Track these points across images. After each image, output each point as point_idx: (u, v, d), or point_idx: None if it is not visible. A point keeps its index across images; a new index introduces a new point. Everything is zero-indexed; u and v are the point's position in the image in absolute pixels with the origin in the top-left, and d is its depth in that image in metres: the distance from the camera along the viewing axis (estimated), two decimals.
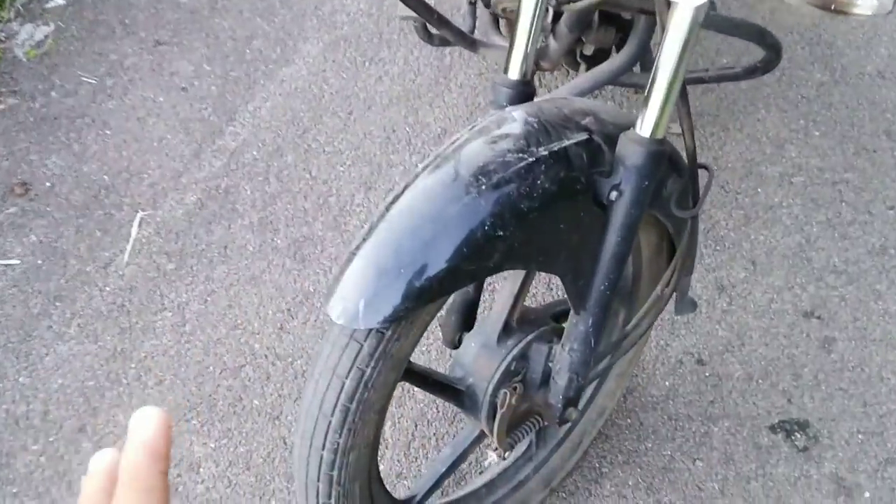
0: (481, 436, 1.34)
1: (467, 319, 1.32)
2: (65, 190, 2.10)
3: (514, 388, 1.19)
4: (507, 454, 1.26)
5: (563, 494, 1.53)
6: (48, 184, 2.12)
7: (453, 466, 1.35)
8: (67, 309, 1.89)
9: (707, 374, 1.71)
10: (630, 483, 1.53)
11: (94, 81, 2.33)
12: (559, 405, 1.20)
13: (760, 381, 1.71)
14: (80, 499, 0.36)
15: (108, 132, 2.22)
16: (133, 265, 1.96)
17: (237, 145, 2.16)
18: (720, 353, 1.74)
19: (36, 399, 1.77)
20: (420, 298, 0.89)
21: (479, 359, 1.22)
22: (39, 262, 1.97)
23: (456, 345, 1.30)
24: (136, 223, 2.03)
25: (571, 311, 1.11)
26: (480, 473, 1.54)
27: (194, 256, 1.96)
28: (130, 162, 2.15)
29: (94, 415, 1.74)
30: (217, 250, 1.96)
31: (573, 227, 0.98)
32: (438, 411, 1.67)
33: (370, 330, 0.96)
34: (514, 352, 1.20)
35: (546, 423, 1.29)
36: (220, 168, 2.12)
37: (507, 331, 1.22)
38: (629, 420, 1.61)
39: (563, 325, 1.25)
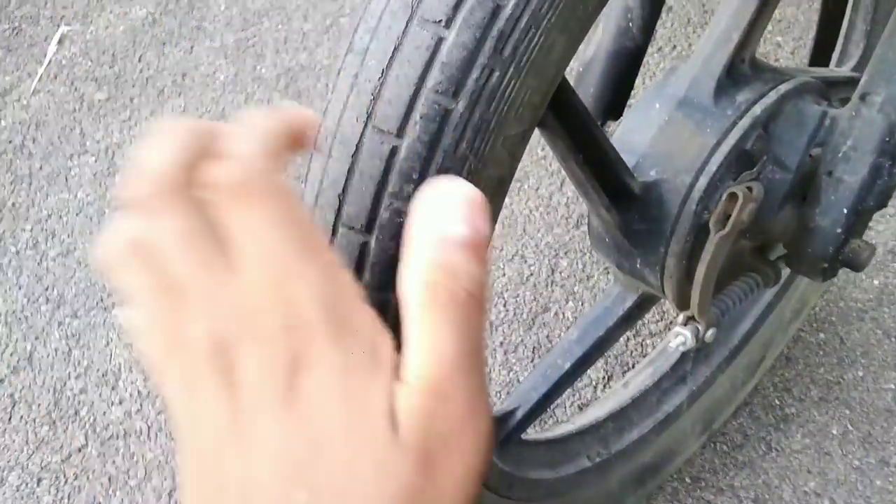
0: (642, 304, 0.72)
1: (624, 85, 0.71)
2: None
3: (750, 189, 0.57)
4: (709, 334, 0.65)
5: (727, 446, 0.92)
6: None
7: (577, 369, 0.72)
8: None
9: None
10: (834, 432, 0.92)
11: None
12: (831, 239, 0.59)
13: None
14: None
15: None
16: (45, 93, 1.31)
17: None
18: None
19: None
20: None
21: (674, 126, 0.61)
22: None
23: (612, 114, 0.69)
24: (54, 39, 1.38)
25: None
26: (603, 394, 0.93)
27: (136, 85, 1.32)
28: None
29: None
30: (171, 78, 1.33)
31: None
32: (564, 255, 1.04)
33: None
34: (752, 115, 0.59)
35: (768, 286, 0.68)
36: None
37: (734, 77, 0.61)
38: (822, 335, 1.00)
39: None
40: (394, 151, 0.41)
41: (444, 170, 0.41)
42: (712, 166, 0.59)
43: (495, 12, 0.38)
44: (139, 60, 1.35)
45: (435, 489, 0.27)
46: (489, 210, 0.31)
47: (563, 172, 1.06)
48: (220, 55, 1.35)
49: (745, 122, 0.59)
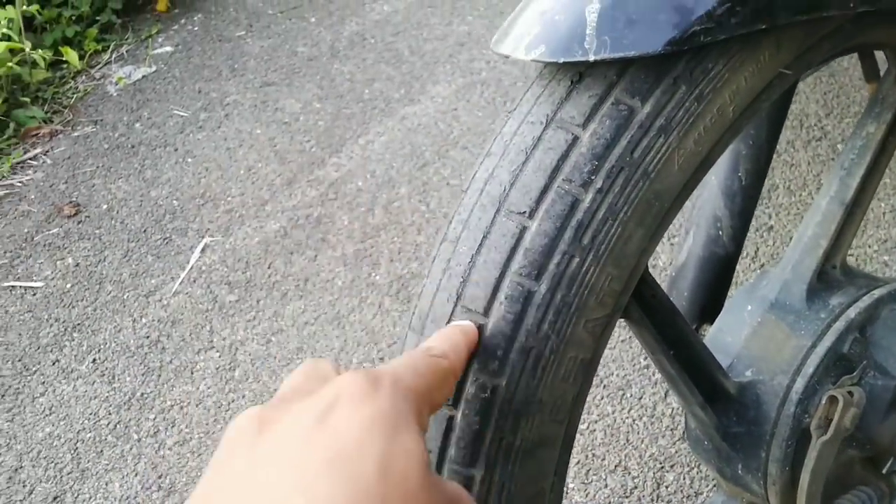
0: None
1: (717, 290, 0.73)
2: (123, 213, 1.67)
3: (850, 394, 0.56)
4: None
5: None
6: (105, 206, 1.70)
7: None
8: (85, 341, 1.38)
9: None
10: None
11: (186, 114, 1.98)
12: None
13: None
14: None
15: (189, 160, 1.81)
16: (183, 294, 1.45)
17: (339, 176, 1.70)
18: None
19: (10, 451, 1.21)
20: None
21: (766, 330, 0.61)
22: (68, 286, 1.50)
23: (706, 318, 0.70)
24: (198, 248, 1.55)
25: None
26: None
27: (263, 289, 1.44)
28: (208, 188, 1.72)
29: (81, 479, 1.16)
30: (294, 283, 1.44)
31: None
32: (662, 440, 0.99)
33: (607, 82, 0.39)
34: (846, 318, 0.59)
35: (883, 503, 0.64)
36: (314, 197, 1.65)
37: (825, 281, 0.62)
38: None
39: None
40: (480, 329, 0.44)
41: (526, 348, 0.43)
42: (809, 368, 0.59)
43: (574, 205, 0.42)
44: (268, 267, 1.48)
45: None
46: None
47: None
48: (339, 263, 1.47)
49: (839, 325, 0.59)
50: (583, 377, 0.47)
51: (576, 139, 0.41)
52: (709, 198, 0.73)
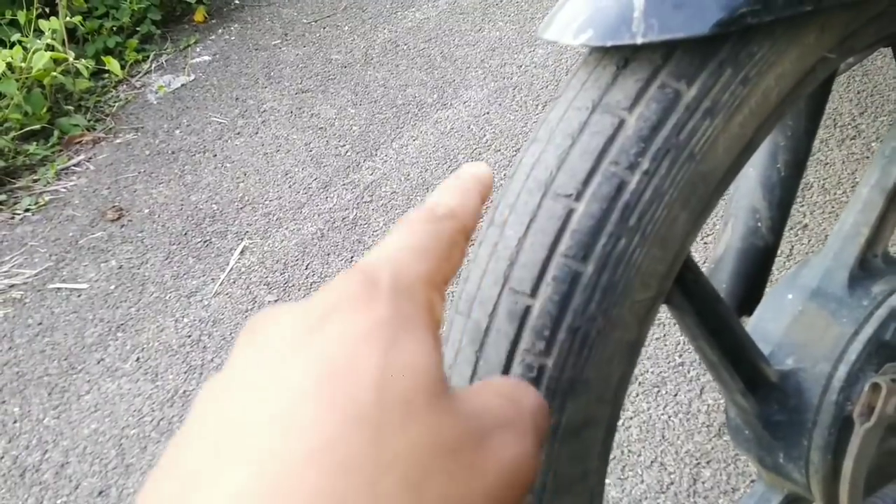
0: None
1: (756, 282, 0.73)
2: (164, 217, 1.71)
3: (893, 381, 0.56)
4: None
5: None
6: (147, 210, 1.74)
7: None
8: (129, 341, 1.41)
9: None
10: None
11: (224, 121, 2.02)
12: None
13: None
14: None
15: (227, 165, 1.85)
16: (223, 295, 1.48)
17: (374, 179, 1.72)
18: None
19: (56, 447, 1.24)
20: None
21: (808, 318, 0.62)
22: (112, 287, 1.54)
23: (745, 310, 0.70)
24: (237, 251, 1.58)
25: None
26: None
27: (302, 289, 1.46)
28: (246, 192, 1.75)
29: (125, 474, 1.19)
30: None
31: None
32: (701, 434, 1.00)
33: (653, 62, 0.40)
34: (889, 306, 0.59)
35: None
36: (350, 200, 1.67)
37: (867, 269, 0.62)
38: None
39: None
40: (527, 310, 0.45)
41: (573, 328, 0.44)
42: (851, 355, 0.59)
43: (621, 187, 0.43)
44: (306, 268, 1.51)
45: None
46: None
47: (703, 379, 1.05)
48: None
49: (881, 313, 0.59)
50: (627, 359, 0.48)
51: (622, 122, 0.42)
52: (747, 190, 0.73)
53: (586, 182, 0.43)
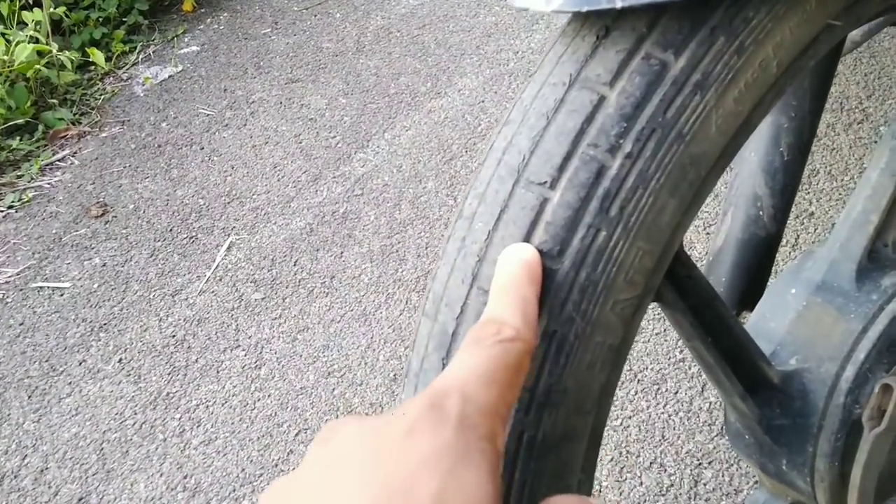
0: None
1: (758, 275, 0.68)
2: (150, 212, 1.67)
3: None
4: None
5: None
6: (132, 206, 1.69)
7: None
8: (112, 341, 1.37)
9: None
10: None
11: (212, 113, 1.97)
12: None
13: None
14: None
15: (215, 159, 1.80)
16: (208, 293, 1.43)
17: (365, 171, 1.68)
18: None
19: (35, 452, 1.20)
20: None
21: (813, 314, 0.57)
22: (95, 286, 1.50)
23: (746, 304, 0.66)
24: (224, 247, 1.53)
25: None
26: None
27: (289, 286, 1.42)
28: (233, 187, 1.70)
29: (106, 480, 1.15)
30: (321, 280, 1.42)
31: None
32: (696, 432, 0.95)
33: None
34: None
35: None
36: (340, 193, 1.63)
37: (876, 261, 0.57)
38: None
39: None
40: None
41: (548, 332, 0.39)
42: (859, 354, 0.54)
43: (600, 172, 0.38)
44: (294, 264, 1.46)
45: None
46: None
47: (704, 376, 1.00)
48: (366, 259, 1.44)
49: (893, 307, 0.54)
50: (611, 365, 0.43)
51: (602, 99, 0.37)
52: (747, 176, 0.68)
53: (562, 168, 0.38)
